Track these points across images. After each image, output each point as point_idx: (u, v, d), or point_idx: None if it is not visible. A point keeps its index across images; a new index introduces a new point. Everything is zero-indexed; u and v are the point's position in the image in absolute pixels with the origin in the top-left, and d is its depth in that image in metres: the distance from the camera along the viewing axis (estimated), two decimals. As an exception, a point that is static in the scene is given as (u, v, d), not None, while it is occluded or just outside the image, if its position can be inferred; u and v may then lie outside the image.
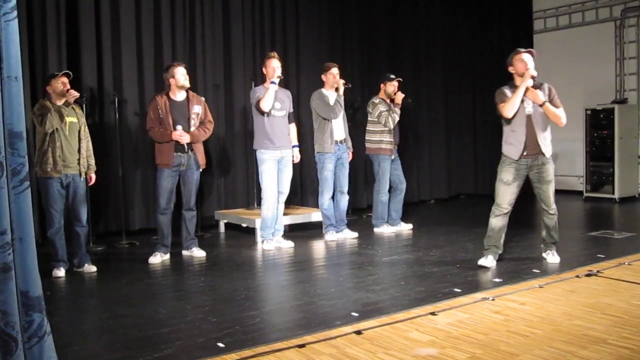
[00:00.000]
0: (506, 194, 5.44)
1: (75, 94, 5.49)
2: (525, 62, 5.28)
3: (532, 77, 5.26)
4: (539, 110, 5.30)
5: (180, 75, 6.01)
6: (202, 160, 6.17)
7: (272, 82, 6.38)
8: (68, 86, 5.52)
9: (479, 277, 5.13)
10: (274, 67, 6.44)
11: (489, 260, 5.45)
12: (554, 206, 5.55)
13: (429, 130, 10.35)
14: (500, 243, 5.53)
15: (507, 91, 5.37)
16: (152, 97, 6.33)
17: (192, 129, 6.03)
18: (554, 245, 5.65)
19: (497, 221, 5.48)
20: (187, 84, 6.06)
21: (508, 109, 5.27)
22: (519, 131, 5.31)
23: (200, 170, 6.22)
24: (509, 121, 5.35)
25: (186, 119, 6.04)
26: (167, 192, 6.02)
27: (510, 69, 5.40)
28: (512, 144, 5.37)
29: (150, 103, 6.16)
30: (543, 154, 5.35)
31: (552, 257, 5.60)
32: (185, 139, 5.94)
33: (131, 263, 6.14)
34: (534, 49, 5.47)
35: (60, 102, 5.51)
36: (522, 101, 5.29)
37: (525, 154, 5.33)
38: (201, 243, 6.56)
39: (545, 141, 5.35)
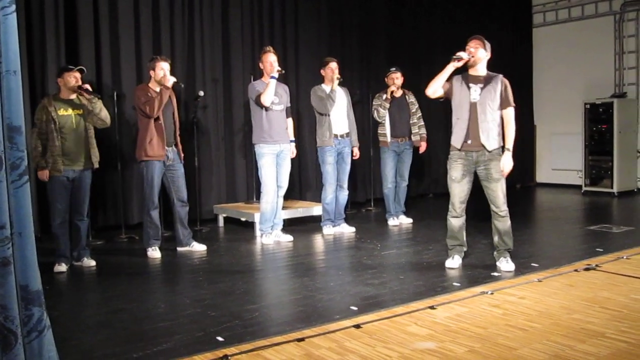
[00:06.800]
0: (457, 192, 5.15)
1: (88, 90, 5.48)
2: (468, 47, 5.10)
3: (462, 60, 5.01)
4: (487, 100, 5.01)
5: (160, 70, 5.94)
6: (181, 157, 6.20)
7: (272, 77, 6.37)
8: (80, 82, 5.52)
9: (478, 271, 5.12)
10: (271, 61, 6.44)
11: (455, 261, 5.26)
12: (504, 207, 5.11)
13: (427, 125, 10.31)
14: (463, 240, 5.31)
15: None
16: (136, 87, 6.34)
17: (177, 122, 6.14)
18: (507, 252, 5.22)
19: (456, 221, 5.24)
20: (167, 83, 5.87)
21: (429, 87, 5.12)
22: (462, 118, 5.06)
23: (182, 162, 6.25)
24: (454, 109, 5.13)
25: (171, 113, 6.09)
26: (157, 187, 6.02)
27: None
28: (457, 133, 5.10)
29: (137, 88, 6.14)
30: (485, 147, 5.03)
31: (506, 265, 5.14)
32: (172, 78, 5.93)
33: (130, 257, 6.13)
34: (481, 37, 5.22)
35: (69, 97, 5.50)
36: (469, 88, 5.05)
37: (468, 143, 5.02)
38: (200, 237, 6.57)
39: (488, 134, 5.00)
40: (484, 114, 5.01)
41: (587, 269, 5.09)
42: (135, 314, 4.21)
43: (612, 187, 9.97)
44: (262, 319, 4.08)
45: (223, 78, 8.17)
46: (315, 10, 9.05)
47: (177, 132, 6.17)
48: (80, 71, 5.57)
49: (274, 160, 6.53)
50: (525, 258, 5.55)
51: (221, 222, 7.85)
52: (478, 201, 5.36)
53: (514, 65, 11.45)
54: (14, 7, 2.75)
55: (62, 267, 5.46)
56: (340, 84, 7.03)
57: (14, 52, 2.75)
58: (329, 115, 6.93)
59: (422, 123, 7.68)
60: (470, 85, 5.08)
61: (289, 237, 6.71)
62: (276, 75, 6.40)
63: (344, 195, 7.23)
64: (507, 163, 5.01)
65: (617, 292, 4.41)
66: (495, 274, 5.01)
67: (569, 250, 5.96)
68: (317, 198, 8.39)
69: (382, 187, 7.57)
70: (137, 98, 5.93)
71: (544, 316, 3.91)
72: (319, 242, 6.79)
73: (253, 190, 8.14)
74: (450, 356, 3.28)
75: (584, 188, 10.32)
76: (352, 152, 7.20)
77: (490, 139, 5.01)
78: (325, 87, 7.00)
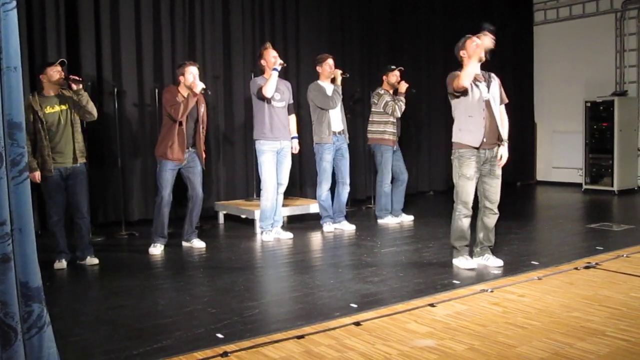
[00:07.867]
0: (471, 190, 5.05)
1: (76, 80, 5.38)
2: (477, 43, 4.93)
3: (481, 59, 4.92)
4: (495, 96, 5.01)
5: (189, 74, 5.95)
6: (202, 158, 6.19)
7: (275, 69, 6.37)
8: (64, 74, 5.42)
9: (478, 269, 5.13)
10: (274, 55, 6.45)
11: (471, 262, 5.16)
12: (497, 205, 5.15)
13: (428, 121, 10.35)
14: (469, 239, 5.22)
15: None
16: (165, 88, 6.31)
17: (201, 127, 6.12)
18: (490, 248, 5.25)
19: (466, 222, 5.13)
20: (195, 89, 5.87)
21: (463, 78, 4.81)
22: (477, 115, 4.95)
23: (202, 168, 6.24)
24: (465, 107, 4.99)
25: (194, 118, 6.07)
26: (171, 184, 6.03)
27: (462, 54, 5.02)
28: (472, 131, 4.95)
29: (166, 90, 6.13)
30: (499, 143, 5.02)
31: (494, 261, 5.18)
32: (200, 84, 5.94)
33: (131, 254, 6.15)
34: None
35: (53, 93, 5.42)
36: (477, 86, 4.97)
37: (485, 141, 4.95)
38: (200, 234, 6.57)
39: (504, 129, 5.07)
40: (497, 110, 5.05)
41: (587, 267, 5.09)
42: (135, 310, 4.22)
43: (612, 186, 9.96)
44: (262, 316, 4.08)
45: (224, 74, 8.17)
46: (316, 6, 9.03)
47: (201, 136, 6.15)
48: (62, 64, 5.46)
49: (274, 157, 6.52)
50: (525, 256, 5.56)
51: (221, 219, 7.85)
52: (474, 198, 5.34)
53: (515, 63, 11.46)
54: (14, 3, 2.74)
55: (62, 264, 5.45)
56: (332, 81, 7.01)
57: (14, 48, 2.75)
58: (328, 113, 6.93)
59: None
60: (477, 83, 5.02)
61: (289, 235, 6.71)
62: (278, 68, 6.40)
63: (346, 191, 7.23)
64: (505, 154, 5.08)
65: (617, 290, 4.41)
66: (496, 271, 5.02)
67: (569, 248, 5.96)
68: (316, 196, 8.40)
69: (380, 186, 7.42)
70: (166, 100, 5.97)
71: (544, 314, 3.91)
72: (319, 239, 6.79)
73: (253, 188, 8.14)
74: (450, 354, 3.28)
75: (584, 186, 10.31)
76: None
77: (505, 134, 5.12)
78: (322, 83, 7.00)
